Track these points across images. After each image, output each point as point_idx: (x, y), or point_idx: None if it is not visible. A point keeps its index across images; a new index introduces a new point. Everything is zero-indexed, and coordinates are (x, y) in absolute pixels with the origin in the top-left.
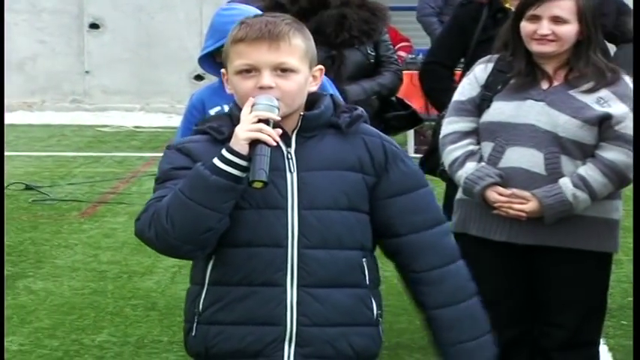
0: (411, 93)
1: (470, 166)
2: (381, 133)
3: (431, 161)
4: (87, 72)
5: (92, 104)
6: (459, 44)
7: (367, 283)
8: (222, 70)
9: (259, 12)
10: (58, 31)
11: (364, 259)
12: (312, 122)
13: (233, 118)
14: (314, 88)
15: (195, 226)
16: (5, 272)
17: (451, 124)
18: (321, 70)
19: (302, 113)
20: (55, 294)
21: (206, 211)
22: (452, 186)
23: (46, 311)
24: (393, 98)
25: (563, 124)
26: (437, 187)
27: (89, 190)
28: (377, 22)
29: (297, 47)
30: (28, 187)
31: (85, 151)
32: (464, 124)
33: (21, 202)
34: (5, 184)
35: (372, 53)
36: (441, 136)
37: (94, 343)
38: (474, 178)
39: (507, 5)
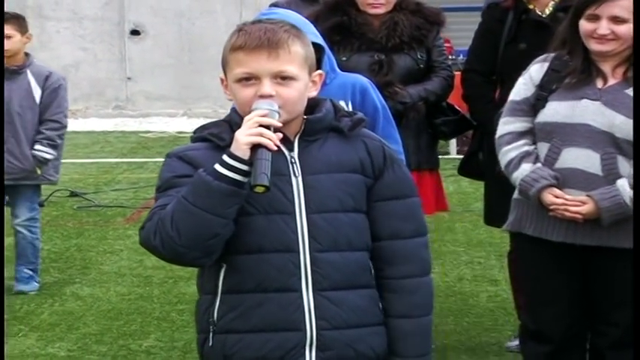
0: (452, 94)
1: (525, 168)
2: (381, 138)
3: (471, 164)
4: (129, 78)
5: (135, 110)
6: (488, 48)
7: (373, 283)
8: (221, 76)
9: (300, 16)
10: (99, 38)
11: (370, 260)
12: (315, 126)
13: (232, 125)
14: (314, 93)
15: (200, 233)
16: (52, 279)
17: (506, 125)
18: (320, 75)
19: (305, 117)
20: (101, 300)
21: (210, 216)
22: (492, 187)
23: (94, 317)
24: (444, 104)
25: (620, 124)
26: (480, 187)
27: (133, 195)
28: (429, 28)
29: (297, 54)
30: (73, 194)
31: (129, 157)
32: (519, 124)
33: (66, 208)
34: (50, 192)
35: (423, 58)
36: (496, 136)
37: (142, 349)
38: (530, 180)
39: (531, 6)
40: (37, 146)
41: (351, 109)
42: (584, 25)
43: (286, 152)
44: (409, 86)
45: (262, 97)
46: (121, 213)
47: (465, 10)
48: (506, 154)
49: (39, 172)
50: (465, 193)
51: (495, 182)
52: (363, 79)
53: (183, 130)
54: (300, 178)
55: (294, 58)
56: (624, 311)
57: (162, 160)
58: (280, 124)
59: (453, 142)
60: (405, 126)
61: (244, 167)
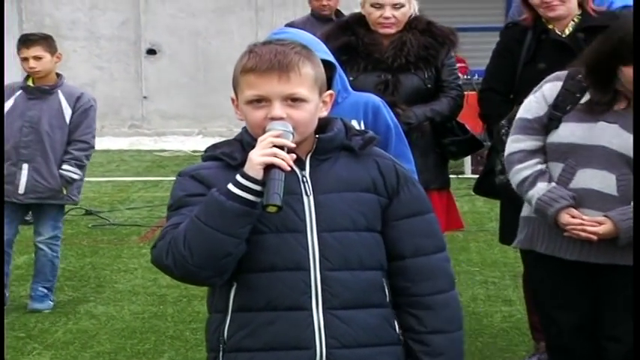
0: (466, 114)
1: (541, 187)
2: (392, 157)
3: (486, 183)
4: (145, 97)
5: (150, 129)
6: (507, 67)
7: (388, 302)
8: (232, 96)
9: (311, 36)
10: (115, 57)
11: (384, 279)
12: (326, 145)
13: (244, 144)
14: (324, 113)
15: (213, 252)
16: (67, 297)
17: (517, 143)
18: (331, 95)
19: (317, 136)
20: (115, 318)
21: (223, 236)
22: (507, 206)
23: (108, 335)
24: (453, 123)
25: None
26: (494, 207)
27: (148, 214)
28: (438, 48)
29: (307, 76)
30: (88, 212)
31: (144, 175)
32: (530, 142)
33: (81, 227)
34: (65, 210)
35: (431, 78)
36: (506, 153)
37: None
38: (548, 199)
39: (550, 26)
40: (65, 166)
41: (363, 128)
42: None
43: (298, 171)
44: (415, 106)
45: (273, 119)
46: (136, 232)
47: (480, 31)
48: (520, 172)
49: (65, 192)
50: (480, 213)
51: (511, 201)
52: (375, 98)
53: (198, 149)
54: (311, 197)
55: (305, 80)
56: (628, 327)
57: None
58: (294, 145)
59: (468, 161)
60: (411, 145)
61: (257, 187)
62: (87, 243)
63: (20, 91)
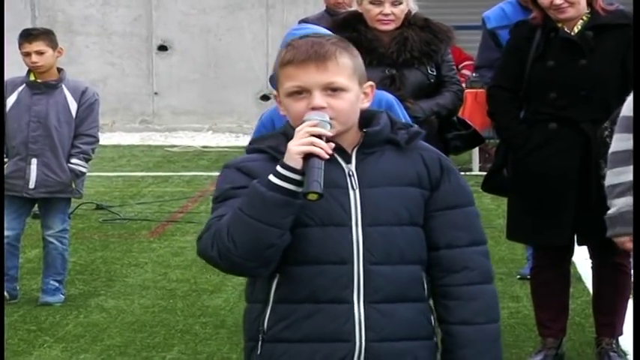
0: (474, 111)
1: (626, 202)
2: (438, 150)
3: (494, 180)
4: (156, 93)
5: (161, 125)
6: (516, 65)
7: (426, 296)
8: (274, 92)
9: (329, 32)
10: (127, 53)
11: (423, 273)
12: (373, 139)
13: (288, 137)
14: (366, 104)
15: (256, 243)
16: (77, 291)
17: (623, 141)
18: (372, 86)
19: (365, 130)
20: (125, 312)
21: (266, 227)
22: (515, 203)
23: (118, 329)
24: (454, 118)
25: None
26: (502, 204)
27: (158, 209)
28: (438, 44)
29: (345, 66)
30: (98, 207)
31: (154, 170)
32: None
33: (92, 221)
34: (76, 204)
35: (433, 73)
36: (611, 150)
37: None
38: (626, 219)
39: (559, 24)
40: (74, 160)
41: None
42: None
43: (344, 165)
44: (421, 101)
45: (314, 109)
46: (146, 226)
47: None
48: (618, 175)
49: (73, 185)
50: (487, 210)
51: (519, 198)
52: (388, 96)
53: (208, 145)
54: (357, 191)
55: (343, 69)
56: None
57: (187, 174)
58: (331, 134)
59: (476, 158)
60: None
61: (297, 177)
62: (97, 237)
63: (23, 86)
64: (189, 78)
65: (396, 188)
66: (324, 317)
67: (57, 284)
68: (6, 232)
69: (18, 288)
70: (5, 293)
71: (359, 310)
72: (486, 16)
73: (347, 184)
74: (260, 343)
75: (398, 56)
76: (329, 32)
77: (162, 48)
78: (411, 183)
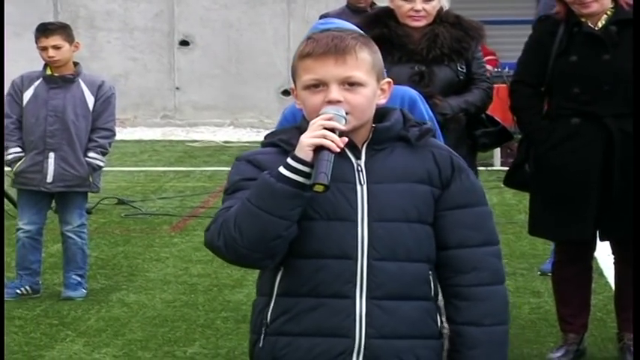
0: (496, 106)
1: None
2: (449, 148)
3: (516, 175)
4: (177, 88)
5: (182, 120)
6: (538, 60)
7: (432, 295)
8: (291, 87)
9: (354, 27)
10: (149, 48)
11: (430, 272)
12: (383, 135)
13: (302, 131)
14: (383, 101)
15: (263, 234)
16: (99, 285)
17: None
18: (389, 82)
19: (374, 125)
20: (147, 307)
21: (273, 218)
22: (537, 198)
23: (139, 324)
24: (483, 115)
25: None
26: (523, 199)
27: (180, 204)
28: (469, 41)
29: (364, 61)
30: (120, 202)
31: (176, 165)
32: None
33: (114, 216)
34: (98, 199)
35: (463, 70)
36: None
37: (186, 355)
38: None
39: (583, 20)
40: (91, 154)
41: None
42: None
43: (353, 160)
44: (450, 98)
45: (330, 102)
46: (167, 221)
47: (511, 24)
48: None
49: (90, 179)
50: (509, 205)
51: (541, 193)
52: (412, 92)
53: (229, 140)
54: (365, 187)
55: (362, 64)
56: None
57: (209, 169)
58: (345, 128)
59: (497, 154)
60: (444, 137)
61: (306, 169)
62: (119, 232)
63: (40, 80)
64: (211, 73)
65: (405, 185)
66: (326, 312)
67: (79, 279)
68: (27, 227)
69: (40, 282)
70: (27, 287)
71: (360, 305)
72: (538, 11)
73: (355, 178)
74: (262, 336)
75: (428, 53)
76: (353, 27)
77: (184, 43)
78: (421, 180)
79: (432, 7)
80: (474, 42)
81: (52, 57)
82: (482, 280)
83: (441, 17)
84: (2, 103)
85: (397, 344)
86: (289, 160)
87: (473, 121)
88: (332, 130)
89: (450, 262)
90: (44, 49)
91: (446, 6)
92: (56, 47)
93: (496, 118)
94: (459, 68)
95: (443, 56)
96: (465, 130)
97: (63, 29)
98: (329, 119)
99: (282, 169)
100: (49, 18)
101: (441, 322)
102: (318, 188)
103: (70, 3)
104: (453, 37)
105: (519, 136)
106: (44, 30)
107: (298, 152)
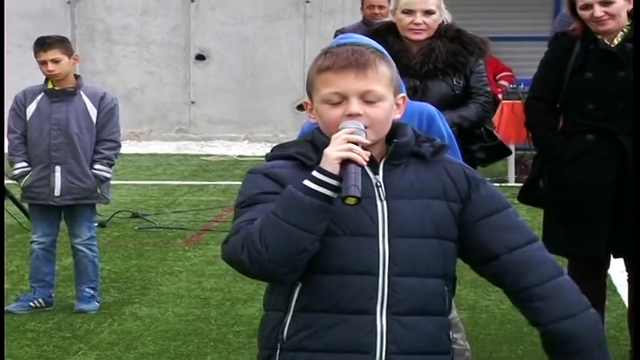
0: (511, 122)
1: None
2: (461, 162)
3: (531, 191)
4: (192, 102)
5: (197, 134)
6: (554, 77)
7: (447, 310)
8: (306, 100)
9: (372, 42)
10: (165, 62)
11: (446, 287)
12: (400, 150)
13: (318, 144)
14: (398, 115)
15: (289, 248)
16: (112, 299)
17: None
18: (404, 98)
19: (395, 141)
20: (159, 320)
21: (300, 232)
22: (551, 215)
23: (151, 337)
24: (482, 129)
25: None
26: (537, 216)
27: (193, 218)
28: (467, 55)
29: (384, 75)
30: (134, 215)
31: (190, 179)
32: None
33: (127, 229)
34: (112, 212)
35: (459, 85)
36: None
37: None
38: None
39: (600, 37)
40: (98, 166)
41: None
42: None
43: (372, 175)
44: (443, 112)
45: (350, 116)
46: (181, 235)
47: (527, 40)
48: None
49: (99, 191)
50: None
51: (554, 209)
52: (430, 108)
53: (244, 154)
54: (385, 202)
55: (382, 78)
56: None
57: (223, 183)
58: (369, 142)
59: (512, 170)
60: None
61: (334, 182)
62: (133, 245)
63: (42, 95)
64: (226, 87)
65: (422, 201)
66: (348, 328)
67: (92, 292)
68: (41, 239)
69: (53, 295)
70: (41, 300)
71: (381, 321)
72: (554, 27)
73: (375, 194)
74: (278, 351)
75: (421, 67)
76: (371, 41)
77: (200, 57)
78: (437, 196)
79: (433, 21)
80: (473, 57)
81: (52, 71)
82: (548, 274)
83: (440, 31)
84: (2, 104)
85: (416, 359)
86: (316, 174)
87: (470, 136)
88: (356, 143)
89: (509, 269)
90: (43, 63)
91: (448, 19)
92: (55, 61)
93: (495, 133)
94: (454, 82)
95: (437, 70)
96: (461, 145)
97: (61, 42)
98: (351, 133)
99: (308, 183)
100: (66, 32)
101: (452, 336)
102: (350, 201)
103: (87, 17)
104: (449, 51)
105: (532, 152)
106: (42, 44)
107: (325, 165)
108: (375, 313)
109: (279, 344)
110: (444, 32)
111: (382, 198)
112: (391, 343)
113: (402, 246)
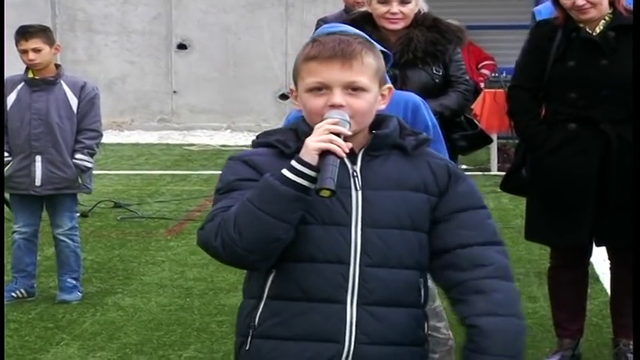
0: (493, 111)
1: None
2: (445, 157)
3: (513, 180)
4: (174, 92)
5: (179, 123)
6: (536, 65)
7: (422, 302)
8: (291, 87)
9: (358, 32)
10: (146, 51)
11: (421, 279)
12: (380, 141)
13: (299, 133)
14: (382, 106)
15: (263, 236)
16: (95, 289)
17: None
18: (390, 88)
19: (374, 132)
20: (142, 310)
21: (275, 221)
22: (533, 203)
23: (134, 327)
24: (462, 118)
25: None
26: (520, 204)
27: (176, 207)
28: (445, 44)
29: (369, 66)
30: (116, 205)
31: (173, 169)
32: None
33: (110, 219)
34: (94, 202)
35: (439, 73)
36: None
37: (181, 359)
38: None
39: (581, 25)
40: (79, 155)
41: None
42: None
43: (349, 165)
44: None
45: (333, 106)
46: (164, 225)
47: (509, 28)
48: None
49: (80, 181)
50: (505, 210)
51: (537, 198)
52: (416, 98)
53: (226, 144)
54: (360, 192)
55: (367, 69)
56: None
57: (205, 172)
58: (350, 133)
59: (494, 158)
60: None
61: (312, 173)
62: (115, 235)
63: (22, 84)
64: (208, 77)
65: (399, 192)
66: (316, 316)
67: (74, 282)
68: (23, 229)
69: (35, 285)
70: (22, 290)
71: (351, 311)
72: (537, 10)
73: (350, 184)
74: (249, 338)
75: (400, 57)
76: (358, 31)
77: (182, 46)
78: (416, 188)
79: (409, 10)
80: (451, 45)
81: (33, 60)
82: (490, 273)
83: (417, 20)
84: (2, 104)
85: (386, 351)
86: (294, 164)
87: (451, 124)
88: (337, 134)
89: (455, 262)
90: (24, 52)
91: (424, 9)
92: (36, 50)
93: (476, 121)
94: (434, 71)
95: (416, 59)
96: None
97: (43, 32)
98: (335, 123)
99: (286, 172)
100: (47, 21)
101: (427, 328)
102: (325, 193)
103: (68, 6)
104: (428, 40)
105: (514, 141)
106: (24, 33)
107: (304, 155)
108: (345, 303)
109: (250, 331)
110: (421, 21)
111: (357, 188)
112: (361, 334)
113: (374, 236)
